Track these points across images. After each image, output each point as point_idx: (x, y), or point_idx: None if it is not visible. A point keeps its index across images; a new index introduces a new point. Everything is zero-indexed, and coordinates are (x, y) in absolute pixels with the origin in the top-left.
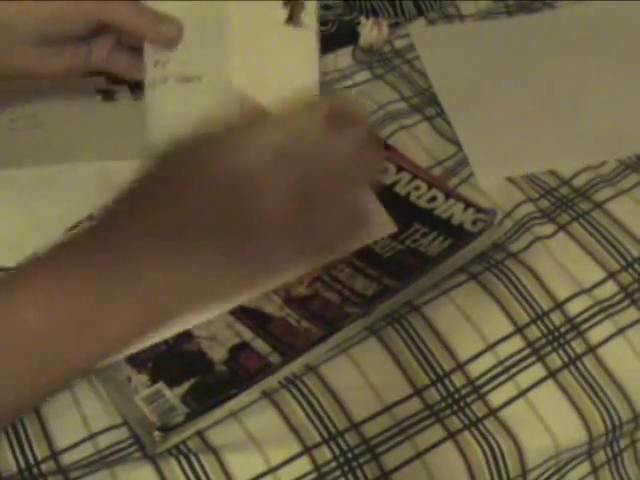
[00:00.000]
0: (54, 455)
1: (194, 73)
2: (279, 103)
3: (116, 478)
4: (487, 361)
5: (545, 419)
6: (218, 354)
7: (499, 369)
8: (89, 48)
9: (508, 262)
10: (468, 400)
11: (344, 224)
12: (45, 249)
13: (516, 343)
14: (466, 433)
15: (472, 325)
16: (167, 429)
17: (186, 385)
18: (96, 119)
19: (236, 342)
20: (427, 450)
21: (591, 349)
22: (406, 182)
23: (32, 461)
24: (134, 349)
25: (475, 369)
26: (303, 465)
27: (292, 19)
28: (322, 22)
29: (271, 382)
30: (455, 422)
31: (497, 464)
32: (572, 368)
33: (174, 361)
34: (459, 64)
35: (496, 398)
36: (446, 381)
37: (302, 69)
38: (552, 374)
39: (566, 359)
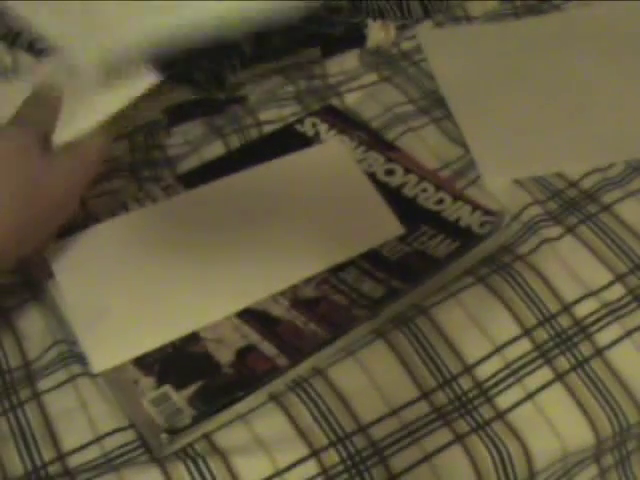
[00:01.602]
0: (61, 457)
1: None
2: None
3: None
4: (495, 364)
5: (553, 422)
6: (225, 356)
7: (507, 372)
8: None
9: (516, 265)
10: (475, 403)
11: None
12: None
13: (524, 346)
14: (473, 436)
15: (479, 328)
16: (174, 432)
17: (193, 388)
18: None
19: (243, 344)
20: (434, 453)
21: (599, 352)
22: (413, 184)
23: (39, 463)
24: None
25: (482, 372)
26: (310, 468)
27: None
28: (329, 24)
29: (278, 385)
30: (462, 425)
31: (505, 467)
32: (580, 371)
33: (181, 363)
34: (466, 66)
35: (504, 401)
36: (453, 384)
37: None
38: (560, 377)
39: (574, 362)
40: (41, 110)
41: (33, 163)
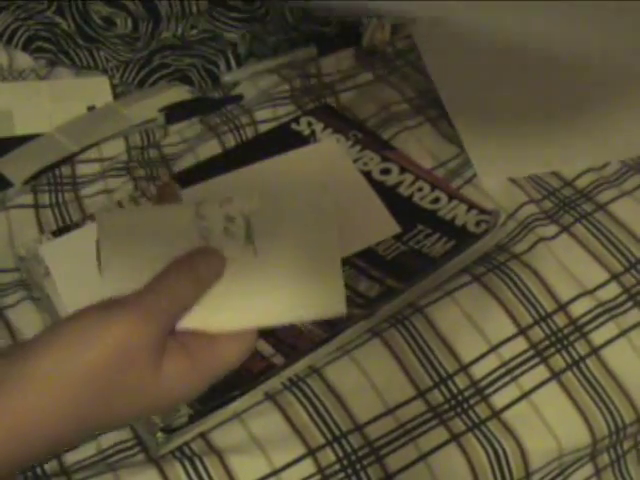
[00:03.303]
0: (57, 455)
1: None
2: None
3: None
4: (490, 363)
5: (548, 421)
6: None
7: (502, 370)
8: None
9: (511, 263)
10: (471, 402)
11: None
12: None
13: (519, 344)
14: (469, 435)
15: (475, 326)
16: (170, 431)
17: None
18: None
19: None
20: (430, 452)
21: (594, 351)
22: (409, 183)
23: None
24: None
25: (478, 371)
26: (307, 467)
27: None
28: (325, 23)
29: (274, 383)
30: (458, 424)
31: (500, 466)
32: (575, 370)
33: None
34: (461, 65)
35: (499, 400)
36: (449, 383)
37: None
38: (555, 375)
39: (569, 360)
40: (188, 282)
41: (137, 365)
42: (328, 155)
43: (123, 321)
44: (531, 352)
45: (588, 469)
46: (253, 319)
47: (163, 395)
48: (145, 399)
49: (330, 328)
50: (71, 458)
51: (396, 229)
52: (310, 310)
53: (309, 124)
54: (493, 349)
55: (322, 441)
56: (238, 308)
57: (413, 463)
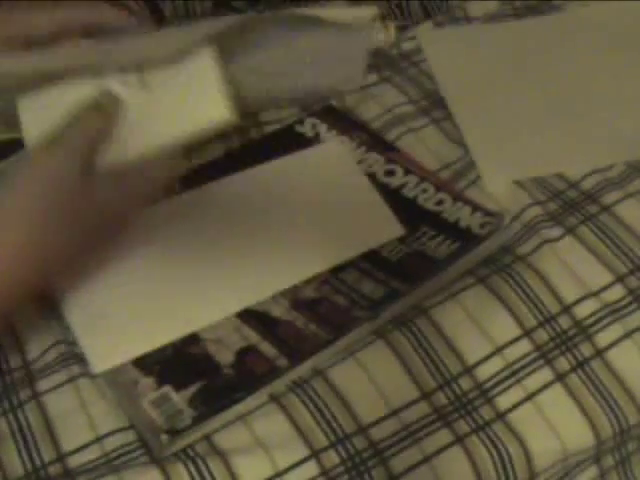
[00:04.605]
0: (61, 458)
1: None
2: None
3: None
4: (495, 364)
5: (553, 422)
6: (225, 357)
7: (507, 372)
8: None
9: (516, 265)
10: (476, 404)
11: None
12: None
13: (524, 346)
14: (474, 437)
15: (480, 328)
16: (174, 432)
17: (193, 388)
18: None
19: (243, 345)
20: (435, 454)
21: (599, 352)
22: (413, 185)
23: (39, 463)
24: None
25: (483, 372)
26: (310, 469)
27: None
28: None
29: (278, 386)
30: (463, 426)
31: (505, 468)
32: (580, 371)
33: (181, 364)
34: (466, 67)
35: (504, 401)
36: (454, 385)
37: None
38: (560, 377)
39: (574, 362)
40: (85, 129)
41: (68, 192)
42: (331, 157)
43: (41, 161)
44: (535, 354)
45: (592, 471)
46: (153, 141)
47: (102, 214)
48: (86, 221)
49: (334, 330)
50: (75, 461)
51: (400, 231)
52: (197, 121)
53: (313, 126)
54: (497, 351)
55: (326, 443)
56: (141, 135)
57: (417, 465)
